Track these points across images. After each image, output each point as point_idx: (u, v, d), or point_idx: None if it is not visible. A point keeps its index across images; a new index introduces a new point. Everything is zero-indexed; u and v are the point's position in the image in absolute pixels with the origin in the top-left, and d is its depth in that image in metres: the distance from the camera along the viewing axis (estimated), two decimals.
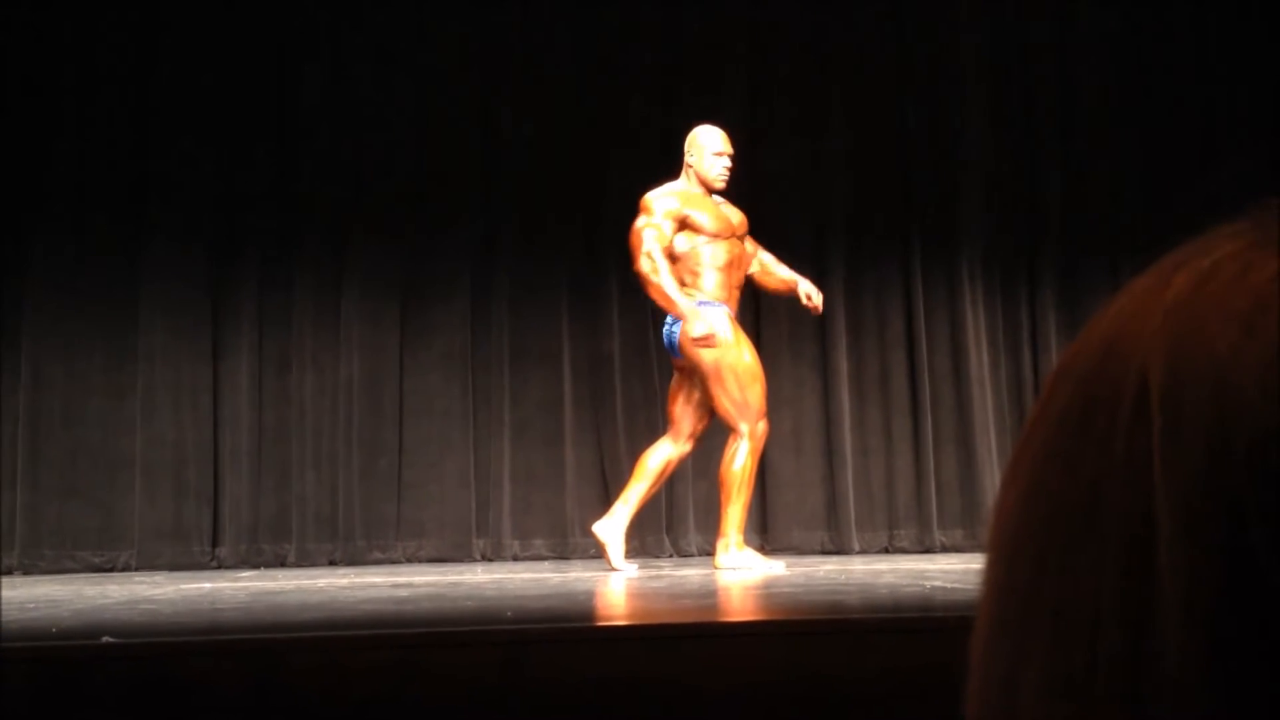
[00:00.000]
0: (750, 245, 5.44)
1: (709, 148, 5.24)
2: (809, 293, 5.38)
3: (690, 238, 5.16)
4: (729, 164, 5.26)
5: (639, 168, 6.25)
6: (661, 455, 5.23)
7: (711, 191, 5.28)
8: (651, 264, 5.07)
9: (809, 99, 6.70)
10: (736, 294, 5.29)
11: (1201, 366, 0.34)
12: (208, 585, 4.78)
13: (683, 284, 5.21)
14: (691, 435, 5.24)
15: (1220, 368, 0.34)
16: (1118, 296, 0.39)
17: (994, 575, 0.40)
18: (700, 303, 5.13)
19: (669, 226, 5.13)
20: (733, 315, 5.20)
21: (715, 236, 5.18)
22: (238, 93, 6.49)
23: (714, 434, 5.28)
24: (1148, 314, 0.36)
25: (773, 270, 5.47)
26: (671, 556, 6.27)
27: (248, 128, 6.49)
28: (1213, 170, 6.55)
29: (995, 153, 6.77)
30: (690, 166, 5.26)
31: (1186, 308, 0.35)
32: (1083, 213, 6.78)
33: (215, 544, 6.29)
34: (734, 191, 5.40)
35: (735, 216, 5.33)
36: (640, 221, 5.15)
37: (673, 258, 5.17)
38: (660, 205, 5.16)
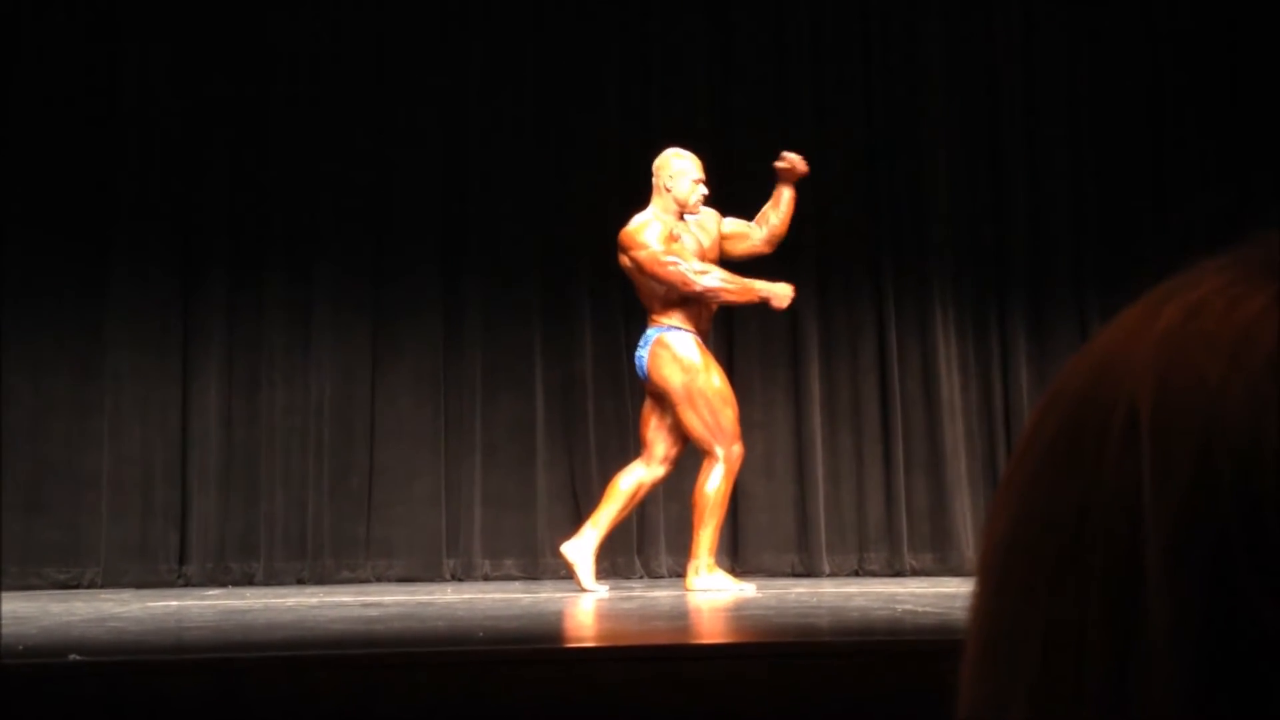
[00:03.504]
0: (741, 226, 5.43)
1: (689, 174, 5.26)
2: (785, 166, 5.37)
3: None
4: (704, 190, 5.29)
5: (608, 187, 6.28)
6: (633, 478, 5.23)
7: (682, 215, 5.30)
8: (711, 277, 5.11)
9: (777, 127, 6.74)
10: (707, 322, 5.30)
11: (1190, 398, 0.35)
12: (175, 603, 4.75)
13: (650, 311, 5.24)
14: (665, 459, 5.23)
15: (1209, 401, 0.34)
16: (1107, 326, 0.39)
17: (983, 599, 0.40)
18: (667, 329, 5.16)
19: (673, 245, 5.15)
20: (700, 341, 5.22)
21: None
22: (205, 110, 6.47)
23: (687, 455, 5.29)
24: (1137, 345, 0.37)
25: (774, 217, 5.43)
26: (642, 578, 6.27)
27: (216, 145, 6.47)
28: (1176, 210, 6.63)
29: (966, 182, 6.82)
30: (667, 191, 5.26)
31: (1176, 340, 0.36)
32: (1051, 242, 6.83)
33: (182, 562, 6.25)
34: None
35: (707, 238, 5.35)
36: (647, 255, 5.13)
37: (649, 287, 5.20)
38: (652, 234, 5.16)
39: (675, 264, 5.12)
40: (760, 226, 5.44)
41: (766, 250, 5.45)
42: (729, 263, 5.36)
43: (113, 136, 6.41)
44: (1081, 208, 6.86)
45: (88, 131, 6.39)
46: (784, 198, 5.42)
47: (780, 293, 5.19)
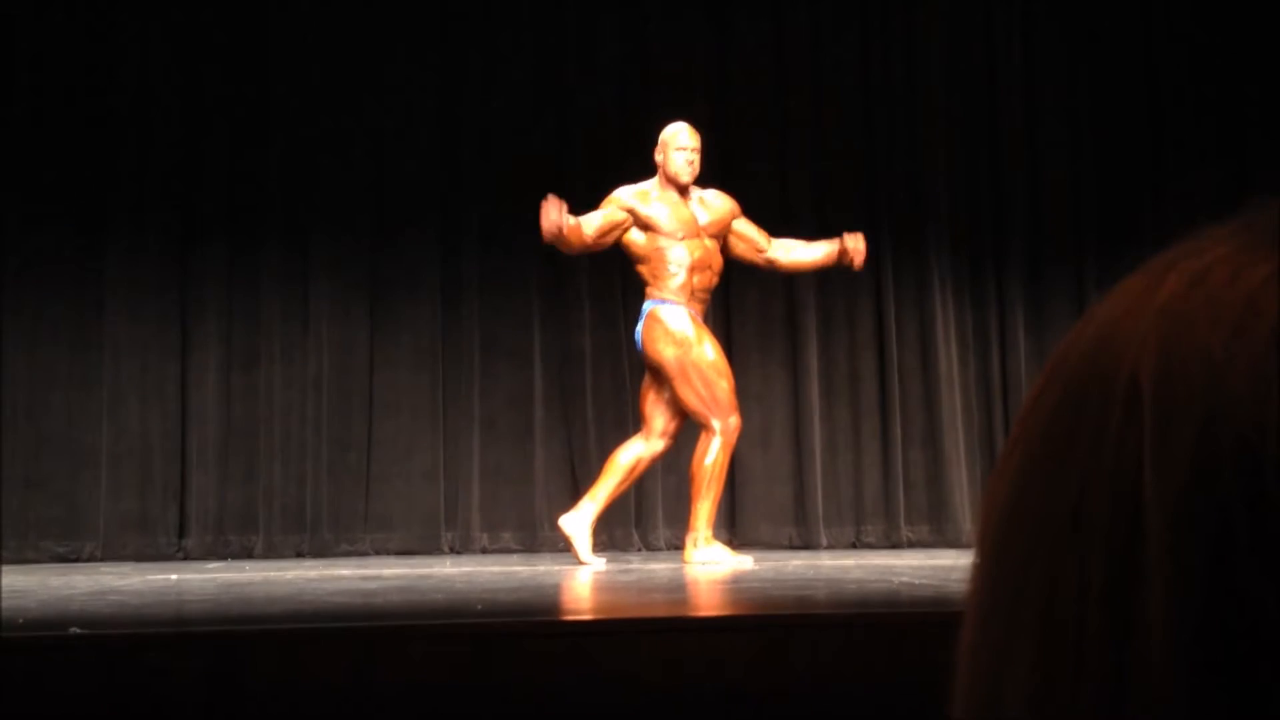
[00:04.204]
0: (752, 233, 5.43)
1: (672, 143, 5.32)
2: (852, 249, 5.39)
3: (650, 237, 5.21)
4: (691, 157, 5.30)
5: (606, 161, 6.26)
6: (633, 453, 5.25)
7: (681, 188, 5.30)
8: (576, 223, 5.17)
9: (776, 100, 6.72)
10: (703, 294, 5.31)
11: (1193, 369, 0.34)
12: (174, 577, 4.76)
13: (645, 284, 5.26)
14: (664, 433, 5.25)
15: (1212, 372, 0.34)
16: (1108, 295, 0.39)
17: (982, 573, 0.39)
18: (659, 302, 5.18)
19: (619, 212, 5.21)
20: (695, 315, 5.23)
21: (671, 235, 5.21)
22: (204, 85, 6.44)
23: (685, 428, 5.29)
24: (1139, 315, 0.36)
25: (802, 257, 5.46)
26: (640, 551, 6.28)
27: (214, 119, 6.44)
28: (1174, 181, 6.62)
29: (963, 155, 6.81)
30: (659, 165, 5.32)
31: (1178, 310, 0.35)
32: (1049, 215, 6.83)
33: (182, 535, 6.25)
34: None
35: (706, 215, 5.33)
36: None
37: (640, 258, 5.23)
38: (618, 196, 5.25)
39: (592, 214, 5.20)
40: (773, 248, 5.47)
41: (757, 263, 5.48)
42: (725, 261, 5.44)
43: (112, 110, 6.38)
44: (1080, 177, 6.85)
45: (87, 104, 6.36)
46: (818, 257, 5.48)
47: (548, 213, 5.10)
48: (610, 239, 5.25)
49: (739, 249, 5.45)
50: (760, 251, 5.47)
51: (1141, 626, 0.34)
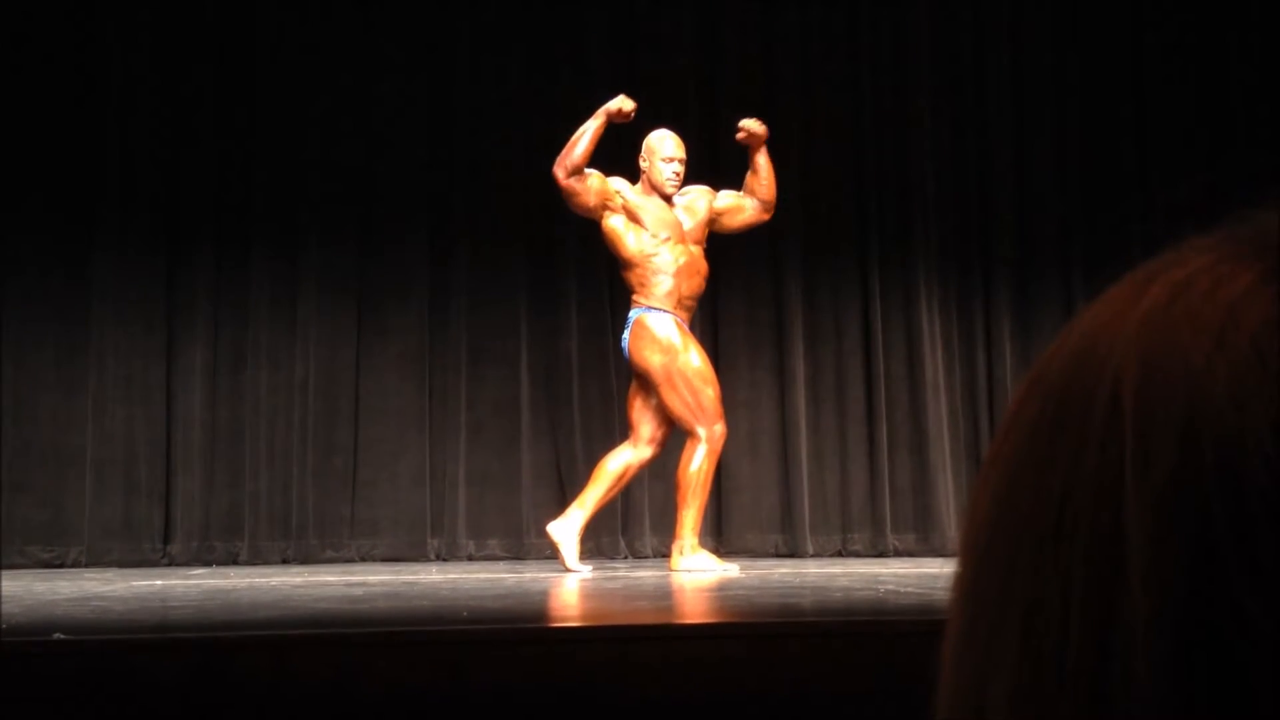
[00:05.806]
0: (734, 199, 5.41)
1: (659, 153, 5.30)
2: (743, 132, 5.34)
3: (637, 235, 5.20)
4: (679, 169, 5.29)
5: (595, 165, 6.25)
6: (621, 460, 5.25)
7: (666, 196, 5.31)
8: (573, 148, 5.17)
9: (764, 106, 6.72)
10: (689, 303, 5.31)
11: (1174, 379, 0.35)
12: (159, 582, 4.74)
13: (631, 291, 5.26)
14: (652, 440, 5.25)
15: (1193, 380, 0.34)
16: (1091, 305, 0.39)
17: (965, 579, 0.40)
18: (646, 310, 5.18)
19: (606, 183, 5.21)
20: (681, 323, 5.23)
21: (656, 236, 5.20)
22: (193, 88, 6.44)
23: (672, 436, 5.30)
24: (1121, 324, 0.37)
25: (758, 186, 5.39)
26: (627, 558, 6.28)
27: (203, 122, 6.43)
28: (1161, 189, 6.64)
29: (951, 162, 6.83)
30: (644, 173, 5.31)
31: (1160, 320, 0.36)
32: (1036, 222, 6.85)
33: (167, 541, 6.24)
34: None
35: (690, 220, 5.33)
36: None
37: (627, 263, 5.24)
38: (611, 178, 5.26)
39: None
40: (751, 198, 5.44)
41: (766, 217, 5.48)
42: (730, 237, 5.46)
43: (98, 113, 6.37)
44: (1066, 187, 6.87)
45: (75, 108, 6.35)
46: (759, 164, 5.40)
47: (617, 103, 5.20)
48: (593, 200, 5.20)
49: (738, 220, 5.41)
50: (746, 209, 5.40)
51: (1123, 633, 0.34)
